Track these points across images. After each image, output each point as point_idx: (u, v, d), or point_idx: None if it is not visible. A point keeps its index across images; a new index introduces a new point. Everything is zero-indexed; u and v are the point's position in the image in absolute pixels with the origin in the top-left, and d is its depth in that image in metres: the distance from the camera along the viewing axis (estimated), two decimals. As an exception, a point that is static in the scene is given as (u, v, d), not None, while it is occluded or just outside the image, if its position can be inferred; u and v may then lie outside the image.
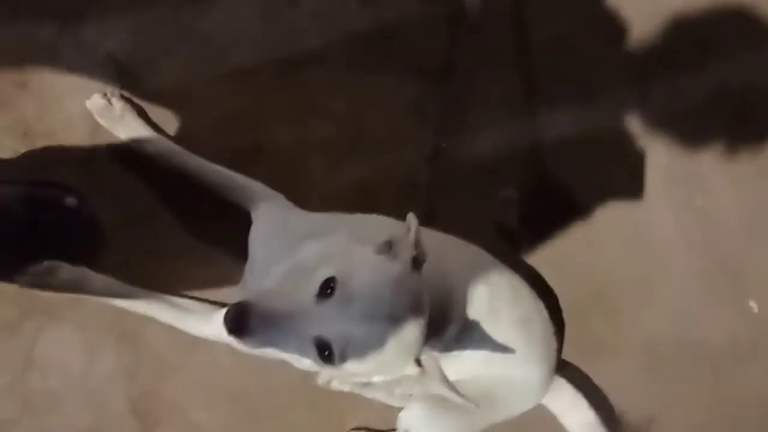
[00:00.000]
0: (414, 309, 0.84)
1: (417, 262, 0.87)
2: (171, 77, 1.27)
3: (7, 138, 1.19)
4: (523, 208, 1.49)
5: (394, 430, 1.39)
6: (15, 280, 1.13)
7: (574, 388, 1.39)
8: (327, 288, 0.80)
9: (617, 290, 1.55)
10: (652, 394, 1.57)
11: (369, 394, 1.33)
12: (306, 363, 1.02)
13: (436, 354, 0.92)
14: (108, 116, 1.19)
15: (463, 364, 1.15)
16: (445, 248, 1.13)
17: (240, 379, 1.31)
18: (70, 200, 1.17)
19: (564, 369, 1.40)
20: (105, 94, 1.19)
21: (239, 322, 0.76)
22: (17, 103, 1.19)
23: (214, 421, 1.31)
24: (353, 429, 1.38)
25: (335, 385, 1.30)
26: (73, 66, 1.22)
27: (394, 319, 0.81)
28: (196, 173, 1.22)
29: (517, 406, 1.24)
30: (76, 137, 1.22)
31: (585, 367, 1.50)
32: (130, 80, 1.24)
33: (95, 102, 1.17)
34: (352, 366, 0.81)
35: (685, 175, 1.59)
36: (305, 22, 1.35)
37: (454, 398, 0.89)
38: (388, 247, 0.88)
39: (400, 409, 1.23)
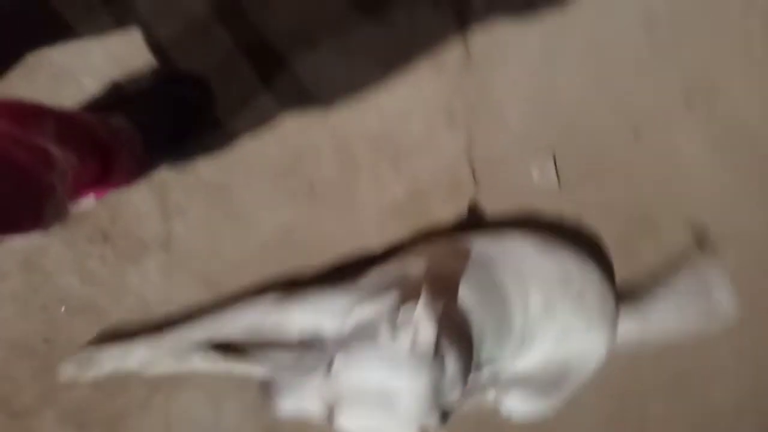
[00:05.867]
0: (413, 389, 0.89)
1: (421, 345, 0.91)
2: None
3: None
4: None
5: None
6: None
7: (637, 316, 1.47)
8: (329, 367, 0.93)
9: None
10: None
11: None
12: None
13: None
14: None
15: (533, 357, 1.28)
16: (491, 267, 1.22)
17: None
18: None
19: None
20: None
21: (267, 390, 0.95)
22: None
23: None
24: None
25: None
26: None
27: (390, 395, 0.89)
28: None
29: (592, 366, 1.35)
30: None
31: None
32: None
33: None
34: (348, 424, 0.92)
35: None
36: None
37: None
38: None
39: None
